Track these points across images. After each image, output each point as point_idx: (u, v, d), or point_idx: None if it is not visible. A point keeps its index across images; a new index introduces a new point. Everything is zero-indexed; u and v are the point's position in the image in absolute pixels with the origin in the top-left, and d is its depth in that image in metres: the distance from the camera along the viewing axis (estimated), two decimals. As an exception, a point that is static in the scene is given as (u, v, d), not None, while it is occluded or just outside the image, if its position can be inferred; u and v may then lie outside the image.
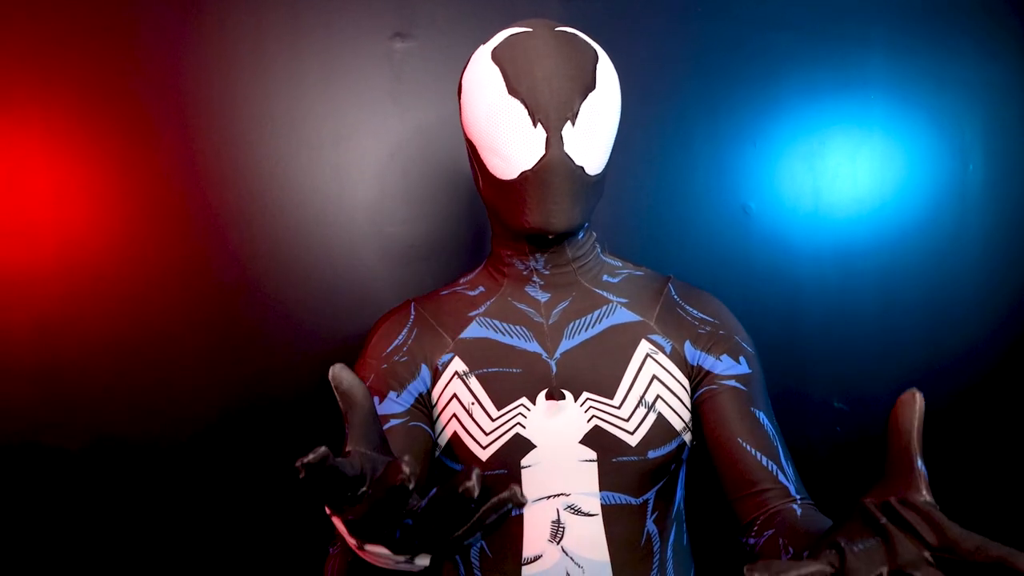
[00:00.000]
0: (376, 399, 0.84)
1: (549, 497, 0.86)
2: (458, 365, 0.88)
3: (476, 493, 0.42)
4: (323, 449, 0.42)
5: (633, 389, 0.86)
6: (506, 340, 0.89)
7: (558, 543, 0.86)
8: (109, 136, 1.29)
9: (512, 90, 0.78)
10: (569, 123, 0.79)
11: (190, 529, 1.34)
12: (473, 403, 0.86)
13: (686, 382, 0.89)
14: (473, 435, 0.86)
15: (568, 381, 0.87)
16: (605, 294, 0.91)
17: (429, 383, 0.89)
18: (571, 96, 0.79)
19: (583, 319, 0.89)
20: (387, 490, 0.43)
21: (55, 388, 1.29)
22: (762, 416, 0.84)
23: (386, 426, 0.83)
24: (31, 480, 1.29)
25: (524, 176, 0.79)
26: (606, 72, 0.83)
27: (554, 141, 0.78)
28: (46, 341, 1.28)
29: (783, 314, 1.50)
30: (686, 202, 1.47)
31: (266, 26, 1.33)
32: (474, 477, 0.42)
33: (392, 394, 0.85)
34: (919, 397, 0.46)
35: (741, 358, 0.89)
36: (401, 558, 0.47)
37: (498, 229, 0.91)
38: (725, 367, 0.87)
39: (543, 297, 0.90)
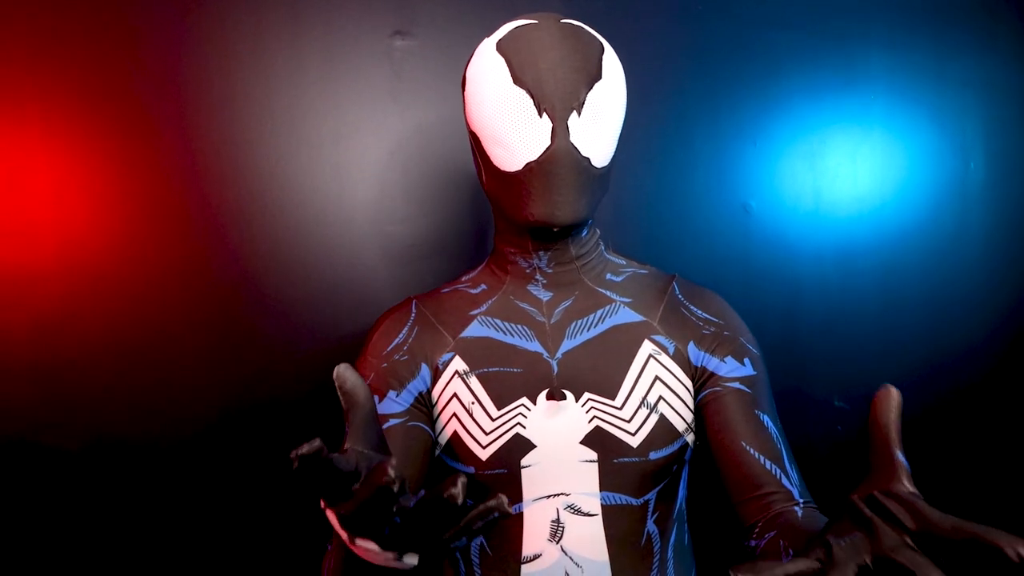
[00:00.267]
0: (376, 398, 0.84)
1: (549, 497, 0.85)
2: (459, 364, 0.88)
3: (459, 501, 0.42)
4: (317, 442, 0.43)
5: (635, 390, 0.86)
6: (507, 339, 0.88)
7: (557, 542, 0.86)
8: (109, 135, 1.29)
9: (517, 80, 0.78)
10: (575, 113, 0.78)
11: (190, 529, 1.34)
12: (473, 403, 0.86)
13: (689, 383, 0.89)
14: (473, 435, 0.85)
15: (569, 381, 0.86)
16: (608, 293, 0.91)
17: (429, 382, 0.88)
18: (577, 86, 0.78)
19: (585, 319, 0.89)
20: (374, 490, 0.43)
21: (54, 387, 1.29)
22: (766, 419, 0.84)
23: (385, 425, 0.83)
24: (30, 480, 1.29)
25: (529, 167, 0.79)
26: (612, 63, 0.83)
27: (560, 131, 0.78)
28: (45, 340, 1.28)
29: (784, 313, 1.50)
30: (686, 201, 1.47)
31: (266, 24, 1.33)
32: (459, 485, 0.42)
33: (392, 393, 0.85)
34: (895, 392, 0.48)
35: (746, 360, 0.88)
36: (390, 555, 0.47)
37: (501, 225, 0.90)
38: (729, 369, 0.87)
39: (545, 296, 0.90)
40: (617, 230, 1.44)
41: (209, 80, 1.32)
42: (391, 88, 1.37)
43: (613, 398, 0.86)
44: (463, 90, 0.86)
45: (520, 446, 0.85)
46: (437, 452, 0.90)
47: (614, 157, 0.86)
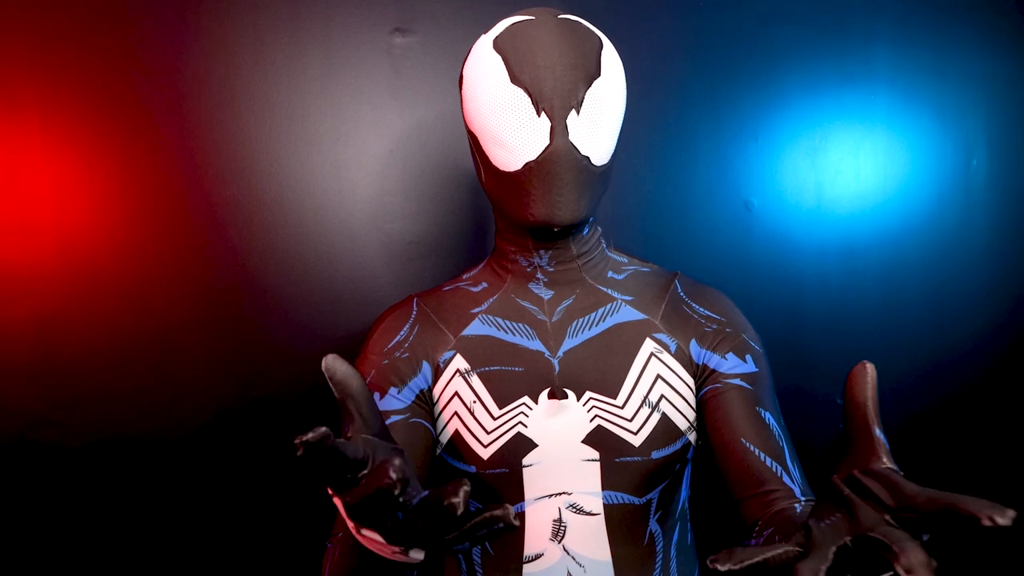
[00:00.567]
0: (377, 395, 0.83)
1: (550, 496, 0.85)
2: (460, 363, 0.87)
3: (459, 511, 0.41)
4: (323, 429, 0.42)
5: (637, 389, 0.86)
6: (509, 338, 0.88)
7: (559, 542, 0.85)
8: (108, 133, 1.29)
9: (515, 79, 0.77)
10: (574, 112, 0.77)
11: (190, 527, 1.34)
12: (475, 401, 0.85)
13: (691, 381, 0.88)
14: (475, 433, 0.85)
15: (571, 380, 0.86)
16: (610, 291, 0.90)
17: (430, 380, 0.88)
18: (575, 84, 0.77)
19: (587, 317, 0.89)
20: (374, 490, 0.43)
21: (54, 385, 1.28)
22: (768, 416, 0.83)
23: (387, 422, 0.82)
24: (30, 477, 1.29)
25: (528, 167, 0.78)
26: (611, 60, 0.82)
27: (559, 130, 0.77)
28: (45, 338, 1.28)
29: (785, 310, 1.50)
30: (687, 198, 1.46)
31: (265, 22, 1.33)
32: (461, 493, 0.42)
33: (393, 390, 0.84)
34: (871, 368, 0.48)
35: (748, 356, 0.87)
36: (396, 548, 0.47)
37: (502, 224, 0.90)
38: (731, 366, 0.86)
39: (547, 294, 0.89)
40: (618, 228, 1.44)
41: (208, 78, 1.32)
42: (391, 85, 1.37)
43: (615, 397, 0.85)
44: (460, 89, 0.85)
45: (521, 445, 0.84)
46: (438, 451, 0.89)
47: (614, 155, 0.85)
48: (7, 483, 1.28)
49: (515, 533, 0.86)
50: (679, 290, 0.93)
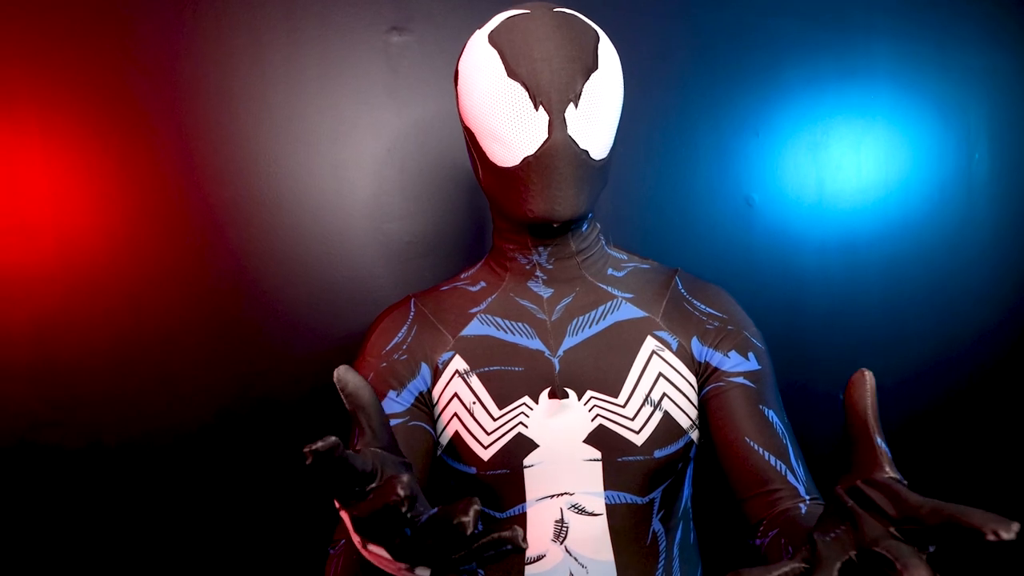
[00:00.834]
0: None
1: (552, 496, 0.84)
2: (459, 363, 0.87)
3: (469, 531, 0.41)
4: (333, 439, 0.41)
5: (639, 387, 0.85)
6: (508, 338, 0.87)
7: (561, 543, 0.84)
8: (107, 133, 1.28)
9: (511, 72, 0.76)
10: (572, 105, 0.76)
11: (190, 528, 1.34)
12: (474, 402, 0.85)
13: (693, 379, 0.87)
14: (475, 434, 0.84)
15: (571, 379, 0.85)
16: (610, 289, 0.90)
17: (429, 382, 0.87)
18: (573, 77, 0.76)
19: (587, 315, 0.88)
20: (383, 504, 0.42)
21: (53, 386, 1.28)
22: (772, 414, 0.82)
23: None
24: (29, 479, 1.28)
25: (527, 162, 0.77)
26: (607, 53, 0.81)
27: (557, 124, 0.76)
28: (44, 339, 1.27)
29: (787, 306, 1.49)
30: (688, 194, 1.46)
31: (262, 21, 1.32)
32: (471, 513, 0.41)
33: (392, 393, 0.84)
34: (869, 375, 0.47)
35: (750, 354, 0.86)
36: (402, 565, 0.46)
37: (499, 222, 0.89)
38: (733, 363, 0.85)
39: (546, 292, 0.89)
40: (618, 225, 1.43)
41: (206, 78, 1.31)
42: (388, 85, 1.36)
43: (616, 396, 0.84)
44: (456, 84, 0.84)
45: (522, 446, 0.84)
46: (439, 452, 0.89)
47: (613, 149, 0.84)
48: (7, 485, 1.28)
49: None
50: (680, 287, 0.92)
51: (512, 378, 0.85)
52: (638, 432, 0.84)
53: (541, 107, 0.76)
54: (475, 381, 0.85)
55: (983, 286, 1.55)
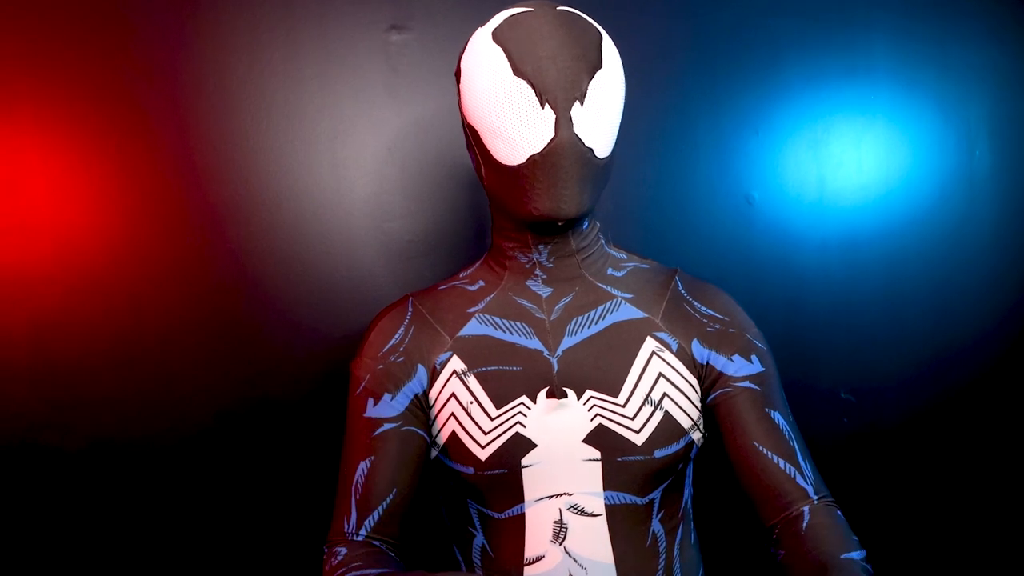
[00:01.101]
0: (371, 400, 0.85)
1: (551, 497, 0.84)
2: (457, 364, 0.87)
3: None
4: None
5: (639, 387, 0.85)
6: (506, 337, 0.87)
7: (560, 544, 0.84)
8: (104, 133, 1.28)
9: (517, 70, 0.76)
10: (578, 103, 0.76)
11: (190, 529, 1.34)
12: (472, 402, 0.85)
13: (694, 380, 0.87)
14: (472, 435, 0.84)
15: (570, 379, 0.85)
16: (609, 289, 0.90)
17: (426, 384, 0.87)
18: (579, 75, 0.76)
19: (586, 315, 0.88)
20: None
21: (53, 388, 1.28)
22: (778, 417, 0.83)
23: (379, 430, 0.83)
24: (28, 481, 1.28)
25: (532, 160, 0.77)
26: (610, 51, 0.82)
27: (563, 122, 0.76)
28: (43, 340, 1.27)
29: (788, 305, 1.49)
30: (688, 193, 1.45)
31: (260, 19, 1.32)
32: None
33: (387, 396, 0.84)
34: None
35: (753, 356, 0.87)
36: None
37: (500, 220, 0.89)
38: (737, 367, 0.86)
39: (545, 292, 0.88)
40: (619, 223, 1.43)
41: (204, 77, 1.31)
42: (388, 83, 1.36)
43: (616, 395, 0.84)
44: (458, 82, 0.84)
45: (520, 445, 0.83)
46: (435, 453, 0.89)
47: (615, 148, 0.84)
48: (7, 487, 1.28)
49: (516, 535, 0.85)
50: (680, 287, 0.92)
51: (510, 378, 0.85)
52: (638, 432, 0.83)
53: (547, 105, 0.75)
54: (472, 381, 0.85)
55: (984, 283, 1.54)
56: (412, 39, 1.36)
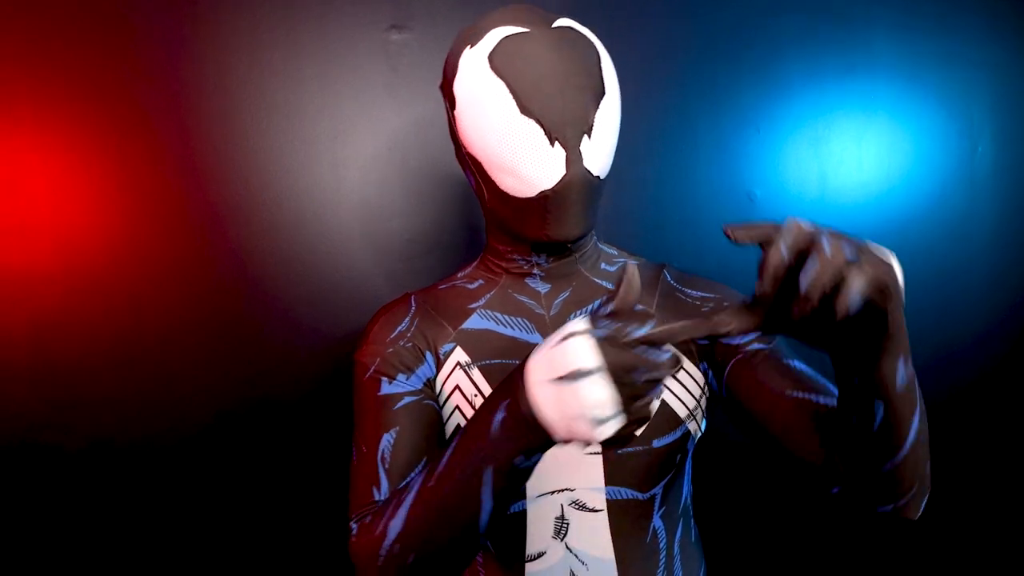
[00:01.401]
0: (385, 380, 0.83)
1: (553, 492, 0.84)
2: (460, 355, 0.86)
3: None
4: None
5: None
6: (508, 332, 0.87)
7: (562, 540, 0.84)
8: (104, 133, 1.28)
9: (525, 110, 0.74)
10: (586, 136, 0.76)
11: (190, 528, 1.34)
12: (476, 395, 0.85)
13: (693, 368, 0.87)
14: None
15: None
16: (604, 283, 0.90)
17: (435, 369, 0.87)
18: (587, 109, 0.75)
19: (584, 310, 0.88)
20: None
21: (53, 388, 1.28)
22: (797, 363, 0.81)
23: (400, 403, 0.81)
24: (29, 481, 1.28)
25: (543, 195, 0.76)
26: (609, 69, 0.80)
27: (574, 158, 0.75)
28: (44, 340, 1.27)
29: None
30: (690, 190, 1.45)
31: (260, 19, 1.32)
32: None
33: (401, 376, 0.83)
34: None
35: None
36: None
37: (499, 231, 0.89)
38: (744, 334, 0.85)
39: (543, 288, 0.89)
40: (621, 221, 1.43)
41: (204, 77, 1.31)
42: (388, 83, 1.36)
43: None
44: (450, 105, 0.81)
45: None
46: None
47: None
48: (7, 487, 1.28)
49: (516, 531, 0.85)
50: (669, 279, 0.93)
51: None
52: None
53: (557, 143, 0.75)
54: (477, 374, 0.85)
55: (986, 280, 1.54)
56: (412, 39, 1.36)
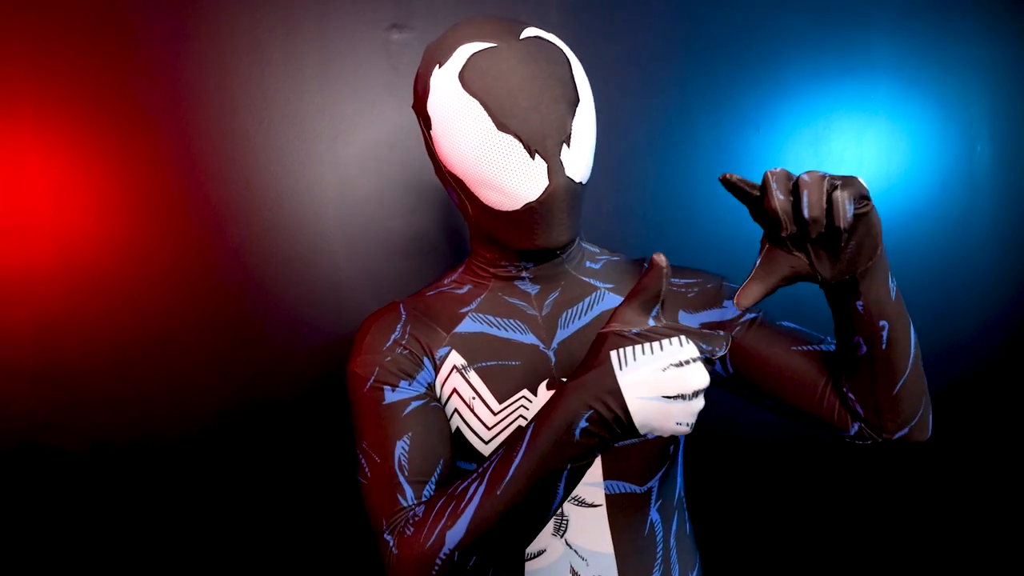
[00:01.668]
0: (388, 388, 0.81)
1: None
2: (456, 359, 0.87)
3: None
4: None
5: None
6: (502, 334, 0.87)
7: (562, 536, 0.85)
8: (105, 133, 1.29)
9: (501, 126, 0.74)
10: (565, 145, 0.76)
11: (191, 528, 1.34)
12: (474, 397, 0.85)
13: None
14: (475, 430, 0.84)
15: (567, 370, 0.86)
16: (591, 281, 0.90)
17: (433, 374, 0.87)
18: (563, 119, 0.75)
19: (574, 308, 0.88)
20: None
21: (55, 388, 1.28)
22: (789, 323, 0.85)
23: (408, 409, 0.80)
24: (31, 482, 1.29)
25: (529, 207, 0.76)
26: (580, 76, 0.80)
27: (555, 168, 0.75)
28: (45, 341, 1.28)
29: (789, 301, 1.48)
30: (690, 189, 1.45)
31: (261, 19, 1.32)
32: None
33: (404, 383, 0.82)
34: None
35: None
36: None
37: (483, 239, 0.88)
38: (734, 310, 0.86)
39: (533, 290, 0.89)
40: (620, 221, 1.43)
41: (205, 76, 1.31)
42: (389, 82, 1.36)
43: None
44: (426, 125, 0.81)
45: None
46: None
47: None
48: (9, 487, 1.28)
49: None
50: None
51: (510, 372, 0.85)
52: None
53: (537, 155, 0.75)
54: (473, 376, 0.85)
55: (985, 279, 1.54)
56: (413, 38, 1.36)
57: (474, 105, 0.74)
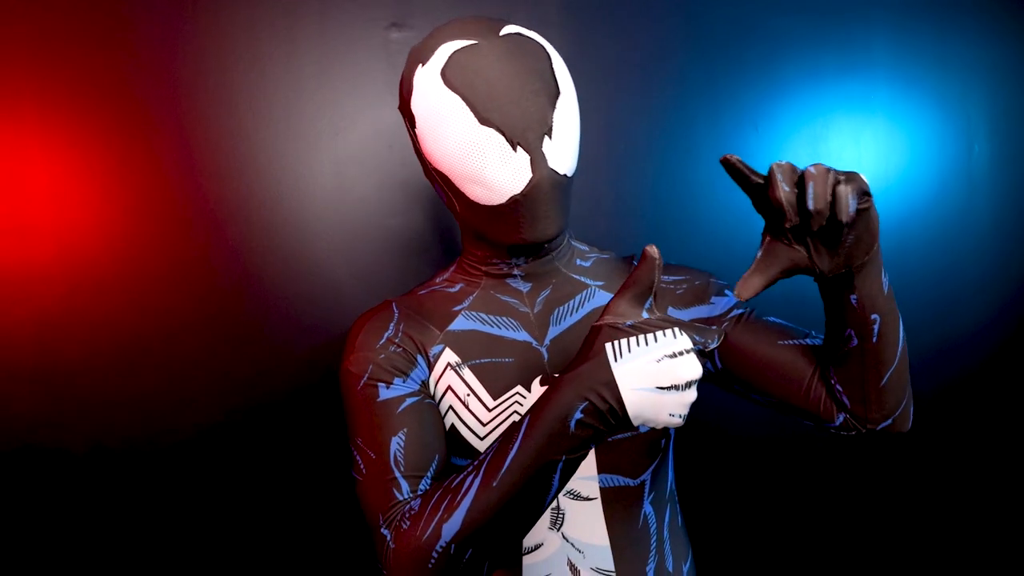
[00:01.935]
0: (382, 385, 0.81)
1: None
2: (450, 356, 0.87)
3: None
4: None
5: None
6: (494, 331, 0.88)
7: (558, 530, 0.85)
8: (106, 132, 1.29)
9: (483, 120, 0.75)
10: (547, 137, 0.77)
11: (192, 528, 1.34)
12: (469, 394, 0.85)
13: None
14: (470, 426, 0.85)
15: (560, 366, 0.87)
16: (582, 279, 0.91)
17: (427, 371, 0.87)
18: (543, 111, 0.76)
19: (566, 305, 0.89)
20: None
21: (55, 388, 1.29)
22: (775, 318, 0.87)
23: (403, 406, 0.80)
24: (31, 481, 1.29)
25: (514, 200, 0.77)
26: (561, 69, 0.81)
27: (538, 160, 0.76)
28: (46, 340, 1.28)
29: (789, 300, 1.49)
30: (689, 189, 1.46)
31: (260, 18, 1.33)
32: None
33: (398, 380, 0.82)
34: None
35: (726, 291, 0.91)
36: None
37: (473, 236, 0.89)
38: (720, 306, 0.88)
39: (525, 287, 0.90)
40: (619, 220, 1.43)
41: (205, 75, 1.32)
42: (388, 81, 1.37)
43: None
44: (411, 124, 0.82)
45: None
46: None
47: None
48: (9, 487, 1.28)
49: None
50: None
51: (504, 369, 0.86)
52: None
53: (519, 147, 0.76)
54: (467, 373, 0.86)
55: (983, 278, 1.54)
56: (412, 37, 1.37)
57: (456, 101, 0.76)
